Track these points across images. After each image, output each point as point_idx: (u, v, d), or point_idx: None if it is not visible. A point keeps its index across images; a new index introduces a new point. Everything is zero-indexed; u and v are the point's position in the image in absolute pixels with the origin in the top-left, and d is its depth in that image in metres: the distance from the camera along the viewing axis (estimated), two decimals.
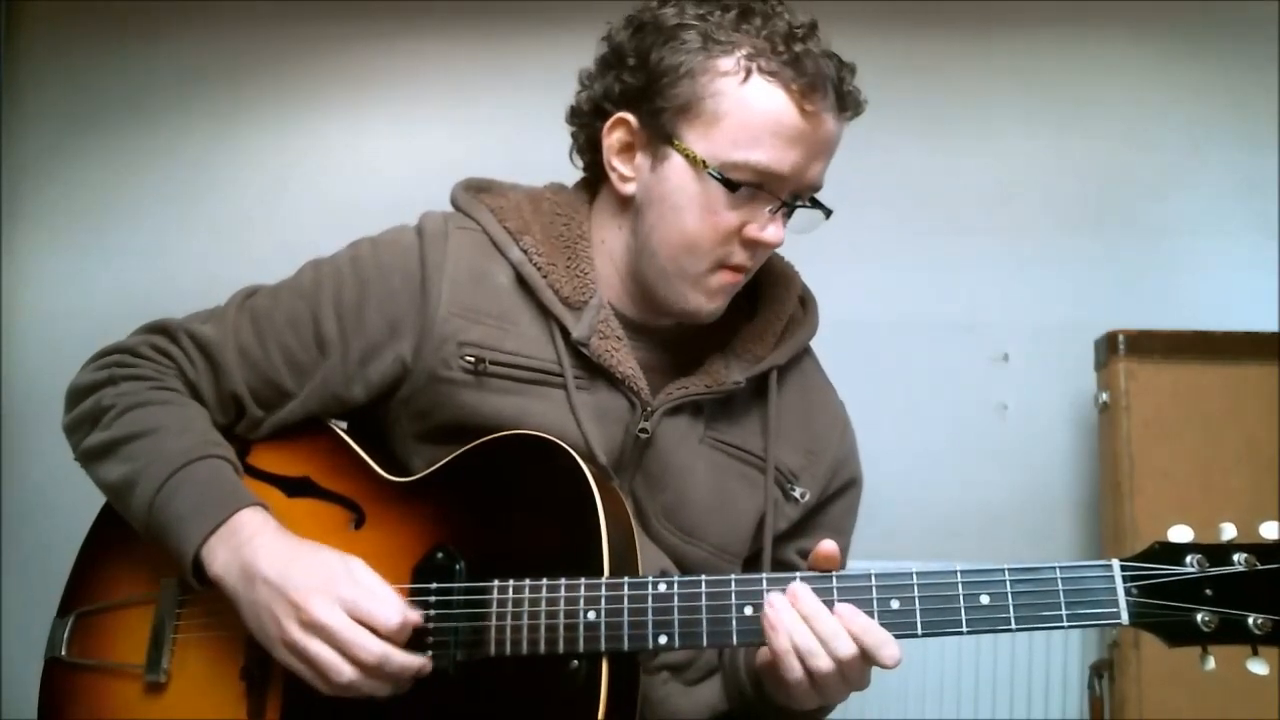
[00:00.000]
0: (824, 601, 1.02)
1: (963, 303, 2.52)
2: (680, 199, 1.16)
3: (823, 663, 1.00)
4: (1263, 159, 2.49)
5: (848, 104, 1.16)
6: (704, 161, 1.14)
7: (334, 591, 1.05)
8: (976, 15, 2.58)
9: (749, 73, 1.13)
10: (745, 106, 1.13)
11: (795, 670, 1.01)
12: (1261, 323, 2.31)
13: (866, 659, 1.01)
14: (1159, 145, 2.54)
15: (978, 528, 2.40)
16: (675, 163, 1.16)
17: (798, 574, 1.04)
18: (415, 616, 1.06)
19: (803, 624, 1.01)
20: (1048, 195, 2.54)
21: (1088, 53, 2.57)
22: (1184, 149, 2.53)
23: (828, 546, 1.05)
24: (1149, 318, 2.30)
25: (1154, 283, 2.48)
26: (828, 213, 1.22)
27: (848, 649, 1.00)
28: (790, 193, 1.16)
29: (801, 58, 1.12)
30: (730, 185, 1.14)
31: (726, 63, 1.13)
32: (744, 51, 1.13)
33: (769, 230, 1.16)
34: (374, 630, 1.03)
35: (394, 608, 1.05)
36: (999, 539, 2.38)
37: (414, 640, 1.06)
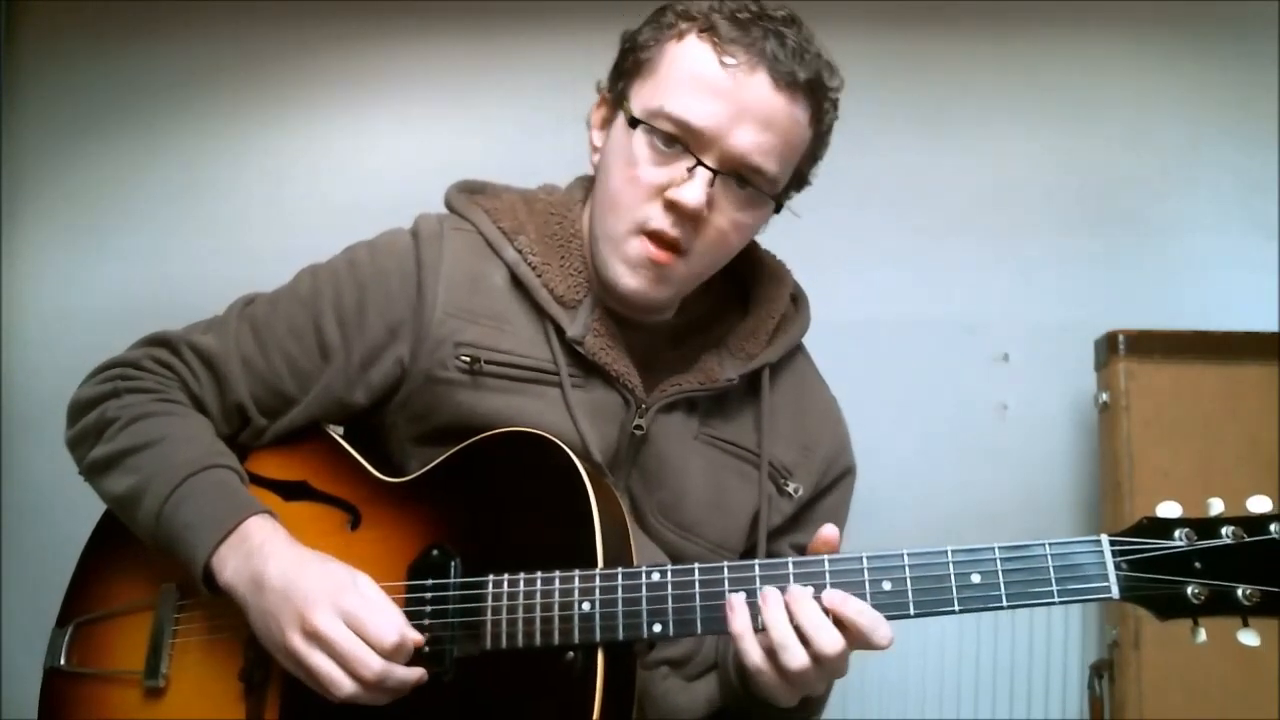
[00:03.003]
0: (815, 585, 1.01)
1: (963, 303, 2.51)
2: (610, 156, 1.19)
3: (795, 658, 0.99)
4: (1263, 159, 2.49)
5: (782, 72, 1.12)
6: (630, 111, 1.15)
7: (337, 602, 1.04)
8: (976, 15, 2.57)
9: (684, 33, 1.15)
10: (673, 60, 1.15)
11: (752, 654, 1.01)
12: (1261, 323, 2.31)
13: (859, 643, 1.00)
14: (1159, 145, 2.53)
15: (978, 528, 2.39)
16: (618, 122, 1.19)
17: (790, 559, 1.04)
18: (415, 636, 1.06)
19: (783, 613, 1.00)
20: (1048, 195, 2.54)
21: (1088, 53, 2.56)
22: (1184, 149, 2.53)
23: (828, 531, 1.05)
24: (1149, 318, 2.29)
25: (1154, 283, 2.48)
26: (778, 207, 1.20)
27: (832, 644, 0.98)
28: (717, 157, 1.13)
29: (746, 23, 1.12)
30: (632, 123, 1.14)
31: (675, 29, 1.16)
32: (693, 15, 1.15)
33: (685, 190, 1.12)
34: (372, 646, 1.03)
35: (393, 626, 1.04)
36: (999, 539, 2.37)
37: None
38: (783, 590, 1.02)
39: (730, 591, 1.03)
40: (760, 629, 1.01)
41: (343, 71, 2.64)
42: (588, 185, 1.30)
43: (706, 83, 1.12)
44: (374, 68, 2.64)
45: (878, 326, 2.48)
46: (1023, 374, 2.50)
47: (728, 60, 1.11)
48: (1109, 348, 2.23)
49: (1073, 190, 2.54)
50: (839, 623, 1.00)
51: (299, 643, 1.04)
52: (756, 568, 1.04)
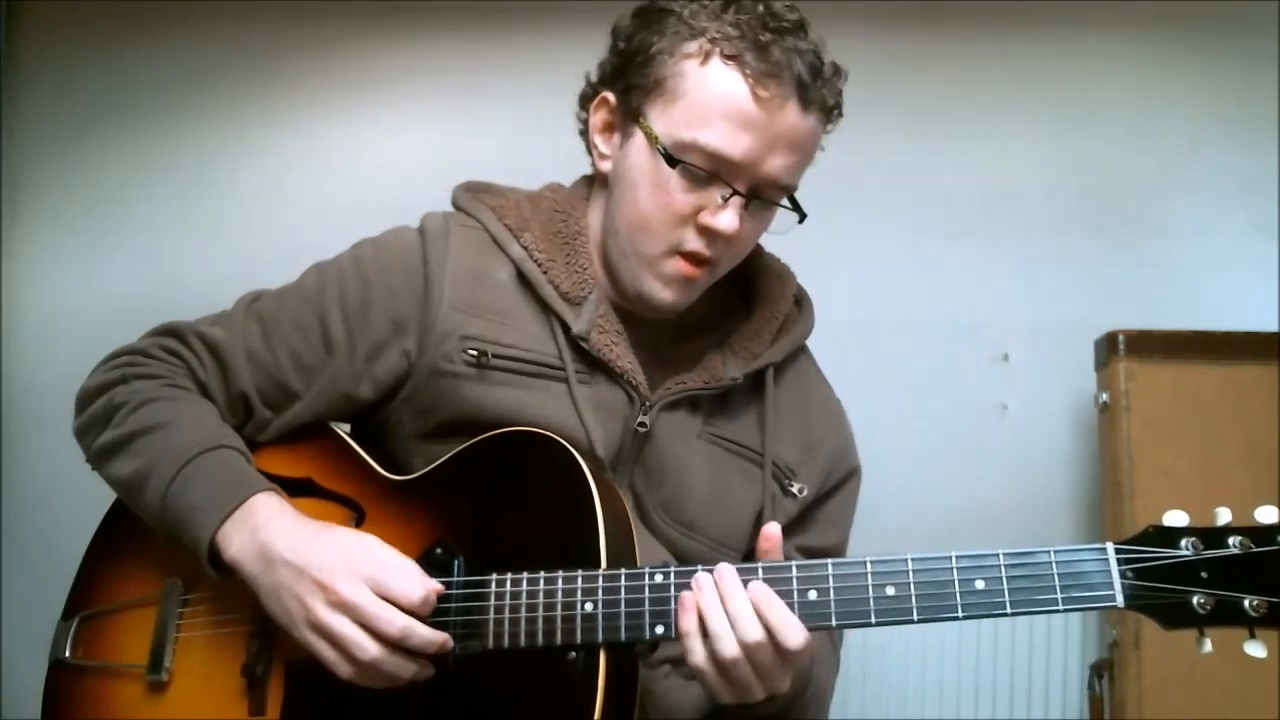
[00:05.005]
0: (818, 589, 1.01)
1: (963, 303, 2.52)
2: (637, 175, 1.18)
3: (728, 647, 0.98)
4: (1263, 159, 2.49)
5: (812, 98, 1.14)
6: (657, 138, 1.15)
7: (358, 570, 1.05)
8: (976, 15, 2.58)
9: (708, 55, 1.14)
10: (700, 87, 1.14)
11: (696, 653, 1.00)
12: (1261, 323, 2.31)
13: (777, 649, 0.99)
14: (1159, 145, 2.54)
15: (978, 528, 2.40)
16: (638, 140, 1.18)
17: (793, 563, 1.04)
18: (437, 586, 1.06)
19: (719, 605, 1.00)
20: (1048, 195, 2.54)
21: (1088, 53, 2.57)
22: (1184, 149, 2.53)
23: (770, 529, 1.05)
24: (1149, 318, 2.29)
25: (1154, 283, 2.48)
26: (802, 216, 1.22)
27: (754, 632, 0.98)
28: (748, 183, 1.16)
29: (768, 46, 1.12)
30: (670, 161, 1.14)
31: (691, 45, 1.15)
32: (710, 35, 1.14)
33: (721, 218, 1.15)
34: (398, 604, 1.04)
35: (416, 581, 1.05)
36: (999, 539, 2.34)
37: None
38: (714, 577, 1.01)
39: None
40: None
41: (342, 71, 2.65)
42: (591, 183, 1.31)
43: (741, 117, 1.13)
44: (373, 67, 2.64)
45: (878, 326, 2.48)
46: (1023, 374, 2.50)
47: (761, 93, 1.12)
48: (1109, 348, 2.23)
49: (1073, 190, 2.54)
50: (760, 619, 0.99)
51: (324, 613, 1.04)
52: (760, 569, 1.04)
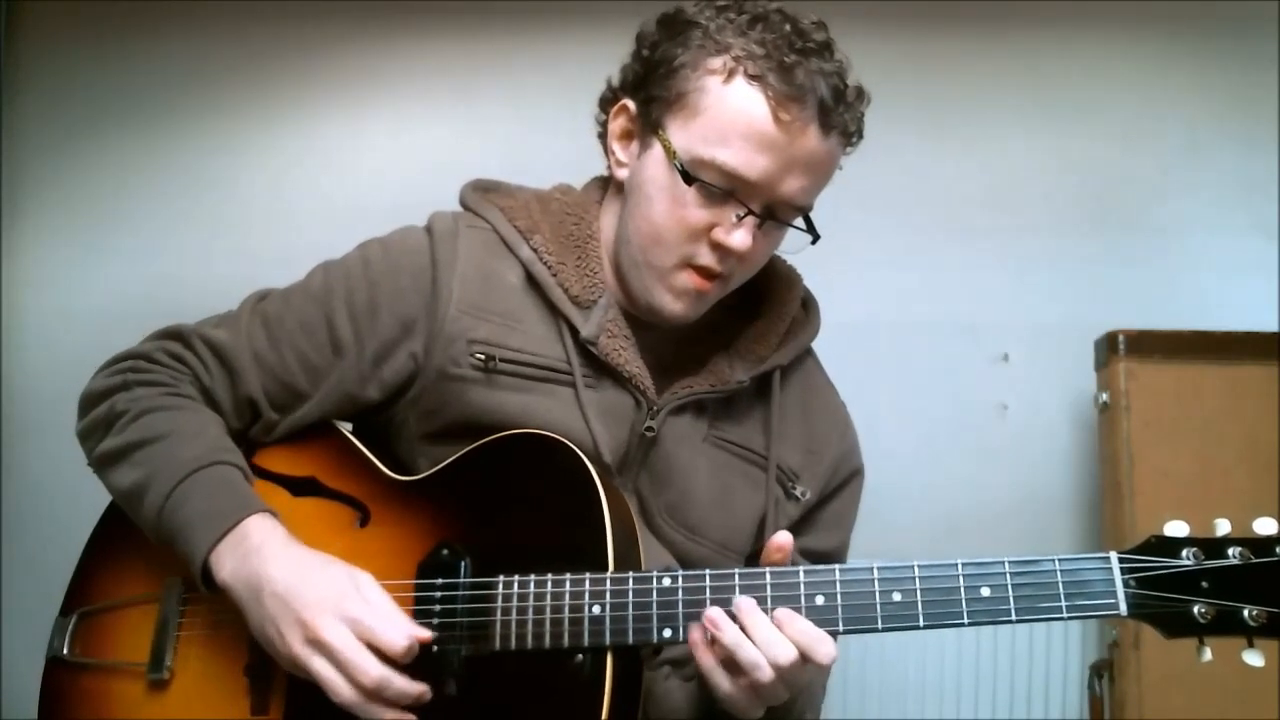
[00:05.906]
0: (825, 594, 1.02)
1: (963, 303, 2.52)
2: (653, 188, 1.18)
3: (764, 674, 1.00)
4: (1263, 159, 2.49)
5: (833, 123, 1.14)
6: (675, 153, 1.15)
7: (342, 610, 1.04)
8: (977, 15, 2.58)
9: (732, 73, 1.13)
10: (721, 105, 1.14)
11: (724, 684, 1.03)
12: (1261, 323, 2.31)
13: (804, 658, 1.01)
14: (1159, 145, 2.54)
15: (978, 527, 2.40)
16: (656, 152, 1.18)
17: (800, 569, 1.05)
18: (424, 634, 1.06)
19: (743, 639, 1.01)
20: (1048, 195, 2.54)
21: (1088, 53, 2.57)
22: (1184, 149, 2.53)
23: (780, 538, 1.07)
24: (1149, 318, 2.29)
25: (1154, 283, 2.48)
26: (815, 237, 1.22)
27: (787, 655, 1.00)
28: (763, 203, 1.16)
29: (792, 68, 1.12)
30: (686, 178, 1.14)
31: (716, 61, 1.15)
32: (735, 53, 1.13)
33: (734, 236, 1.15)
34: (380, 652, 1.03)
35: (400, 630, 1.04)
36: (999, 539, 2.38)
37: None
38: (729, 608, 1.03)
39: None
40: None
41: (343, 71, 2.64)
42: (603, 186, 1.31)
43: (760, 138, 1.12)
44: (373, 68, 2.64)
45: (878, 326, 2.48)
46: (1023, 374, 2.50)
47: (783, 116, 1.12)
48: (1109, 348, 2.23)
49: (1072, 190, 2.54)
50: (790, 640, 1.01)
51: (301, 650, 1.04)
52: (768, 574, 1.04)
